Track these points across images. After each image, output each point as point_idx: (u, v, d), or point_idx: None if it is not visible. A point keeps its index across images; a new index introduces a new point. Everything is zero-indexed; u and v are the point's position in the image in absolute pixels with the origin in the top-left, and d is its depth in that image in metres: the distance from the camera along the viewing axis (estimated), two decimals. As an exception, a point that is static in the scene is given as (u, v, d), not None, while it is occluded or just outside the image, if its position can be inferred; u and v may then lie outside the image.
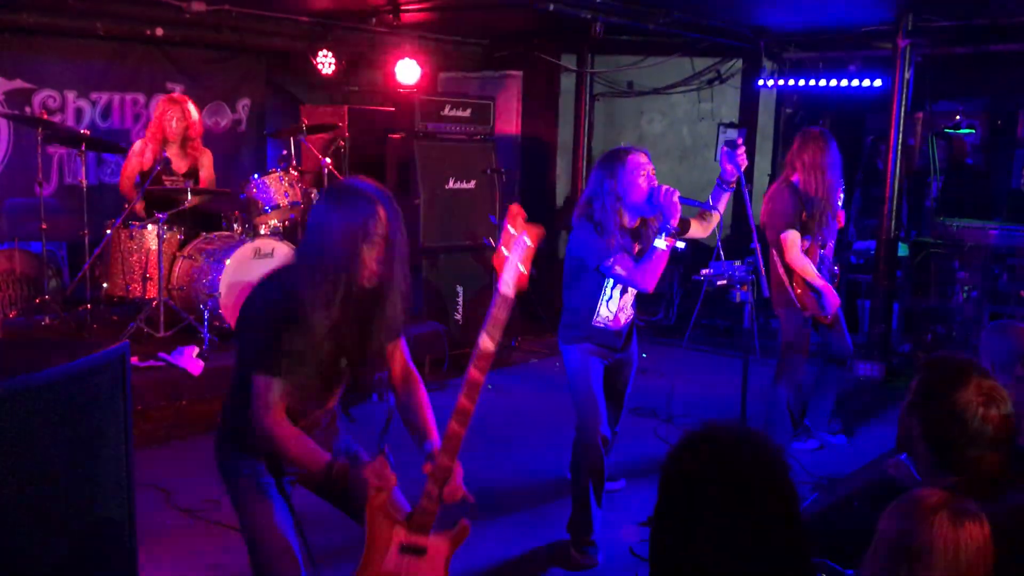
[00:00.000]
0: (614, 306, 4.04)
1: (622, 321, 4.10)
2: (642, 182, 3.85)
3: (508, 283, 2.32)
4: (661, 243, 3.78)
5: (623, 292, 4.03)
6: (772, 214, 5.13)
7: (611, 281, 3.95)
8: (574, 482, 4.12)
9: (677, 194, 3.77)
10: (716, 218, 4.12)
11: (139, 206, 6.12)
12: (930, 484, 2.26)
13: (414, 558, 2.60)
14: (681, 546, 1.58)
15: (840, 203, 5.20)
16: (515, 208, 2.36)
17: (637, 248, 3.96)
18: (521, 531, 4.33)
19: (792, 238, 5.03)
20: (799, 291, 5.10)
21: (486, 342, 2.45)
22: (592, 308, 4.01)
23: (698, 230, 4.20)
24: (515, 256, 2.30)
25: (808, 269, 5.04)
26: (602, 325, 4.03)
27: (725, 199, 4.18)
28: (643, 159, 3.91)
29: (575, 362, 4.08)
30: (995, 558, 1.78)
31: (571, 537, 4.08)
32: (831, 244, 5.24)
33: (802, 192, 5.05)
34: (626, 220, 3.92)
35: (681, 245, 3.93)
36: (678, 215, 3.77)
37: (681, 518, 1.59)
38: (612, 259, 3.82)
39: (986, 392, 2.20)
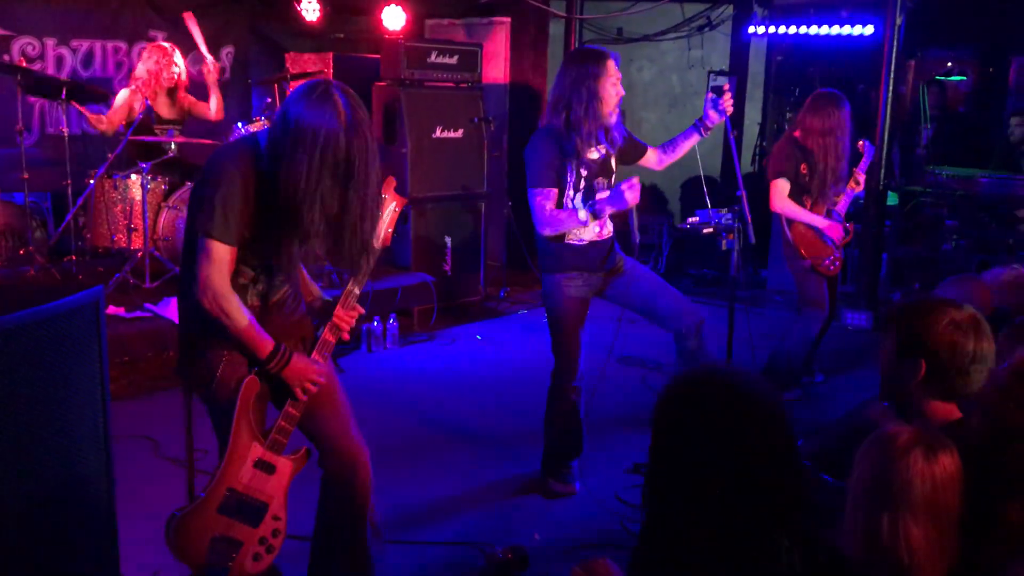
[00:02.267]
0: (583, 216, 3.82)
1: (598, 235, 3.90)
2: (613, 91, 3.75)
3: (378, 238, 2.73)
4: (584, 215, 3.76)
5: (589, 196, 3.86)
6: (769, 164, 5.16)
7: (571, 191, 3.82)
8: (546, 421, 4.13)
9: (637, 191, 3.69)
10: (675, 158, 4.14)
11: (131, 154, 6.05)
12: (903, 415, 2.29)
13: (264, 474, 2.72)
14: (674, 491, 1.57)
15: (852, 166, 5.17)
16: (390, 179, 2.83)
17: (600, 151, 3.86)
18: (507, 464, 4.39)
19: (780, 186, 5.03)
20: (796, 240, 5.10)
21: (352, 285, 2.82)
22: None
23: (651, 160, 4.15)
24: (385, 218, 2.81)
25: (797, 212, 5.05)
26: (577, 242, 3.88)
27: (694, 141, 4.12)
28: (616, 67, 3.79)
29: (551, 299, 3.98)
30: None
31: (543, 466, 4.15)
32: (844, 201, 5.22)
33: (803, 147, 5.04)
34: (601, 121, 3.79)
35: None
36: (623, 209, 3.73)
37: (673, 462, 1.58)
38: (542, 191, 3.74)
39: (966, 316, 2.21)
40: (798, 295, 5.35)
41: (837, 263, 5.21)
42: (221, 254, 2.53)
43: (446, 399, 5.40)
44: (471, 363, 6.17)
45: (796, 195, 5.10)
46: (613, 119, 3.80)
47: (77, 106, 6.13)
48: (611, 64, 3.76)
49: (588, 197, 3.85)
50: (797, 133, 5.13)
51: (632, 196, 3.68)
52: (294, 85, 6.86)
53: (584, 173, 3.83)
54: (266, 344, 2.66)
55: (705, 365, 1.67)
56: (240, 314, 2.60)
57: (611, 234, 4.00)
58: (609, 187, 3.91)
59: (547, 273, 3.97)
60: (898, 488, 1.76)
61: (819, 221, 5.08)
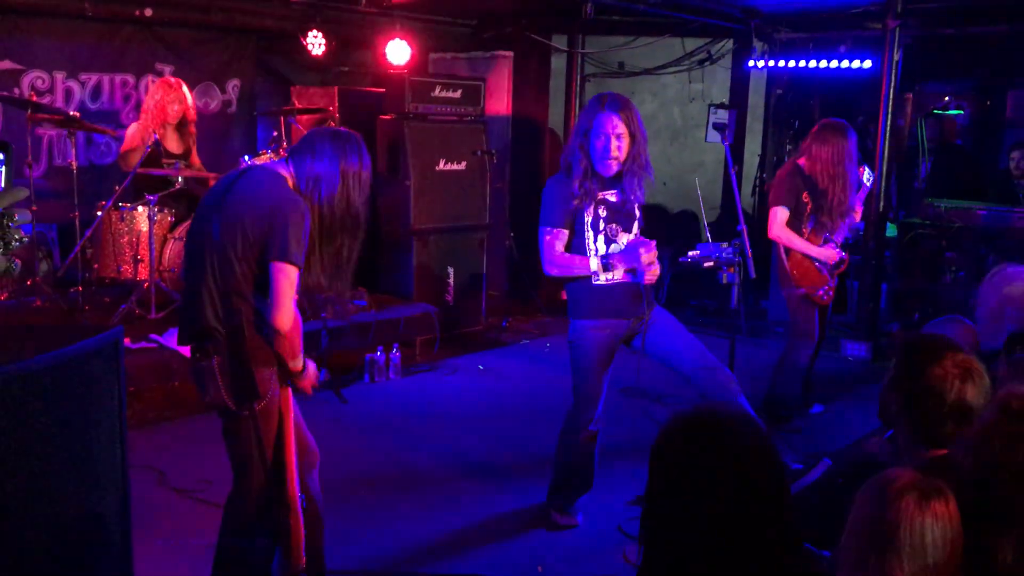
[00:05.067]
0: (594, 266, 3.85)
1: (625, 276, 3.87)
2: (599, 144, 3.76)
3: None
4: (595, 264, 3.81)
5: (609, 243, 3.88)
6: (771, 191, 5.21)
7: (590, 232, 3.85)
8: (557, 456, 4.13)
9: (653, 255, 3.76)
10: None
11: (138, 186, 6.12)
12: (910, 460, 2.32)
13: None
14: (672, 526, 1.61)
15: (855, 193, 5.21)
16: None
17: (616, 195, 3.88)
18: (508, 497, 4.40)
19: (779, 215, 5.08)
20: (792, 268, 5.15)
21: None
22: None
23: None
24: None
25: (794, 241, 5.09)
26: (602, 283, 3.85)
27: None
28: (613, 123, 3.75)
29: (577, 348, 3.95)
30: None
31: (548, 499, 4.16)
32: (840, 236, 5.26)
33: (807, 176, 5.09)
34: (599, 169, 3.81)
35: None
36: (637, 267, 3.77)
37: (671, 498, 1.62)
38: (551, 231, 3.82)
39: (961, 366, 2.25)
40: (790, 322, 5.38)
41: (831, 293, 5.26)
42: (295, 279, 2.89)
43: (448, 430, 5.42)
44: (473, 393, 6.20)
45: (795, 223, 5.15)
46: (608, 170, 3.81)
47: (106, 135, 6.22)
48: (600, 118, 3.77)
49: (607, 242, 3.88)
50: (802, 161, 5.16)
51: (647, 258, 3.73)
52: (300, 119, 6.97)
53: (603, 214, 3.86)
54: (300, 358, 3.02)
55: (700, 405, 1.71)
56: (301, 333, 2.97)
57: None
58: (628, 235, 3.93)
59: (575, 319, 3.95)
60: (886, 530, 1.78)
61: (815, 251, 5.12)
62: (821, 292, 5.20)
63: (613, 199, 3.87)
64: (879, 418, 2.52)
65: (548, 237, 3.84)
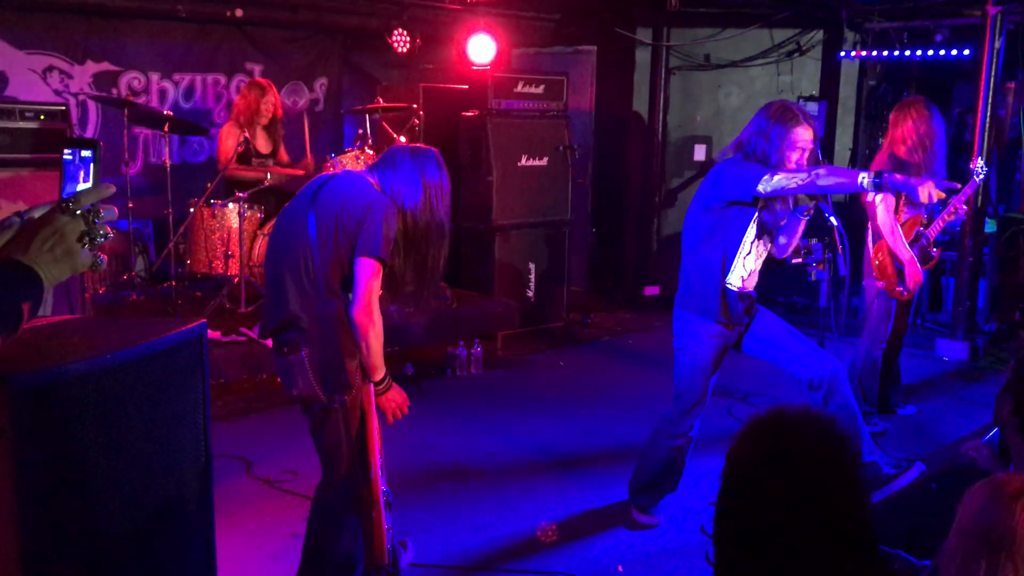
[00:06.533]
0: (751, 264, 3.77)
1: (751, 286, 3.82)
2: (794, 156, 3.65)
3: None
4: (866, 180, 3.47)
5: (760, 250, 3.79)
6: None
7: (751, 234, 3.72)
8: (646, 455, 4.07)
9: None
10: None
11: (229, 184, 6.29)
12: (1019, 468, 2.21)
13: None
14: (744, 533, 1.58)
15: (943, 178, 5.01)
16: None
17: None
18: (588, 494, 4.37)
19: (887, 201, 4.88)
20: (878, 261, 4.98)
21: None
22: (727, 265, 3.73)
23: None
24: None
25: (895, 233, 4.89)
26: (734, 288, 3.76)
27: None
28: (807, 135, 3.66)
29: (688, 341, 3.83)
30: None
31: (631, 497, 4.11)
32: (938, 224, 5.07)
33: (902, 160, 4.90)
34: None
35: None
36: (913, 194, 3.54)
37: (744, 505, 1.59)
38: (770, 175, 3.53)
39: None
40: (865, 312, 5.18)
41: (913, 290, 5.06)
42: (379, 275, 2.96)
43: (529, 424, 5.42)
44: (554, 389, 6.18)
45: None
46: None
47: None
48: (798, 131, 3.66)
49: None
50: (895, 148, 4.96)
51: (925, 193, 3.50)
52: (385, 116, 7.05)
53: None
54: (382, 367, 3.05)
55: (773, 409, 1.67)
56: (381, 334, 2.98)
57: (755, 286, 3.89)
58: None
59: (691, 312, 3.83)
60: (1000, 534, 1.70)
61: (904, 254, 4.91)
62: (900, 288, 5.00)
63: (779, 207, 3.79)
64: (994, 421, 2.43)
65: (781, 172, 3.58)
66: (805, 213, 3.72)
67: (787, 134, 3.61)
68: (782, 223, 3.78)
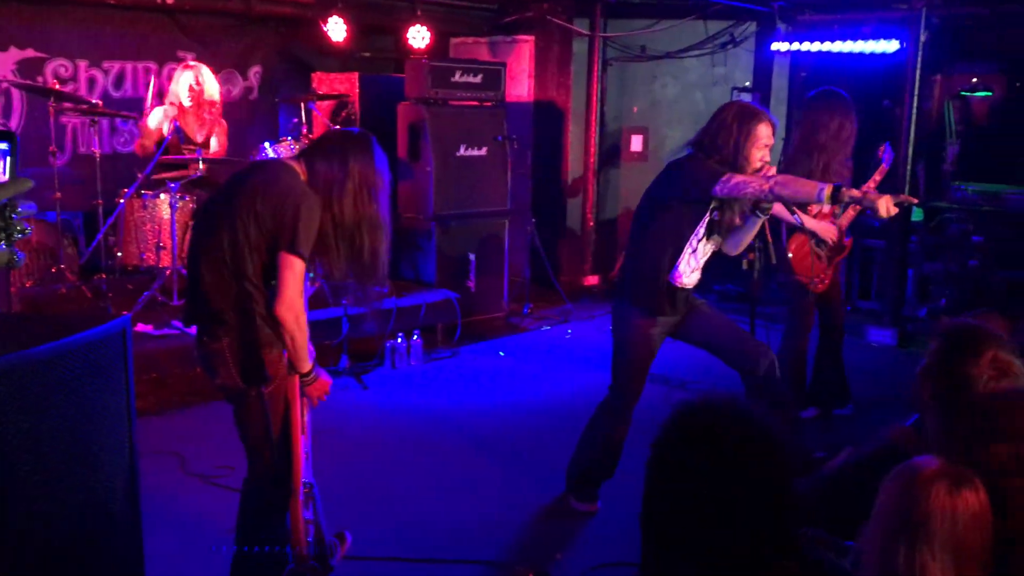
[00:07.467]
0: (696, 261, 3.84)
1: (693, 283, 3.90)
2: (758, 154, 3.68)
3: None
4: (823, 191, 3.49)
5: (707, 248, 3.85)
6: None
7: (700, 233, 3.77)
8: (584, 443, 4.11)
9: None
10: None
11: (160, 174, 6.15)
12: (937, 452, 2.28)
13: None
14: (669, 520, 1.60)
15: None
16: None
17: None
18: (527, 482, 4.38)
19: None
20: (791, 254, 5.05)
21: None
22: (673, 262, 3.78)
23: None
24: None
25: (783, 212, 4.93)
26: (677, 285, 3.83)
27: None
28: (768, 132, 3.69)
29: (627, 335, 3.89)
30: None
31: (568, 485, 4.15)
32: (849, 213, 5.14)
33: (811, 151, 4.95)
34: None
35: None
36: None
37: (669, 491, 1.60)
38: (727, 176, 3.57)
39: (1000, 367, 2.20)
40: (787, 308, 5.27)
41: (827, 281, 5.15)
42: (301, 272, 2.90)
43: (469, 415, 5.43)
44: (495, 379, 6.20)
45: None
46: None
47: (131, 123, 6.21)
48: (762, 128, 3.71)
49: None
50: (808, 140, 5.02)
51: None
52: (321, 105, 6.98)
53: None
54: (307, 359, 2.99)
55: (705, 395, 1.69)
56: (306, 327, 2.93)
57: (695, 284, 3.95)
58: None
59: (632, 305, 3.88)
60: (917, 520, 1.74)
61: (810, 221, 4.88)
62: (816, 280, 5.07)
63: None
64: (912, 405, 2.49)
65: (733, 178, 3.59)
66: (764, 214, 3.78)
67: (751, 132, 3.67)
68: (739, 223, 3.84)
